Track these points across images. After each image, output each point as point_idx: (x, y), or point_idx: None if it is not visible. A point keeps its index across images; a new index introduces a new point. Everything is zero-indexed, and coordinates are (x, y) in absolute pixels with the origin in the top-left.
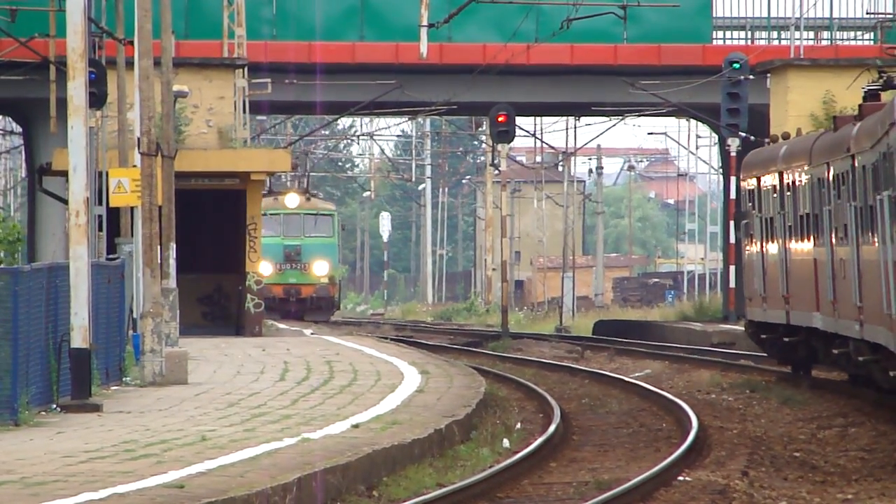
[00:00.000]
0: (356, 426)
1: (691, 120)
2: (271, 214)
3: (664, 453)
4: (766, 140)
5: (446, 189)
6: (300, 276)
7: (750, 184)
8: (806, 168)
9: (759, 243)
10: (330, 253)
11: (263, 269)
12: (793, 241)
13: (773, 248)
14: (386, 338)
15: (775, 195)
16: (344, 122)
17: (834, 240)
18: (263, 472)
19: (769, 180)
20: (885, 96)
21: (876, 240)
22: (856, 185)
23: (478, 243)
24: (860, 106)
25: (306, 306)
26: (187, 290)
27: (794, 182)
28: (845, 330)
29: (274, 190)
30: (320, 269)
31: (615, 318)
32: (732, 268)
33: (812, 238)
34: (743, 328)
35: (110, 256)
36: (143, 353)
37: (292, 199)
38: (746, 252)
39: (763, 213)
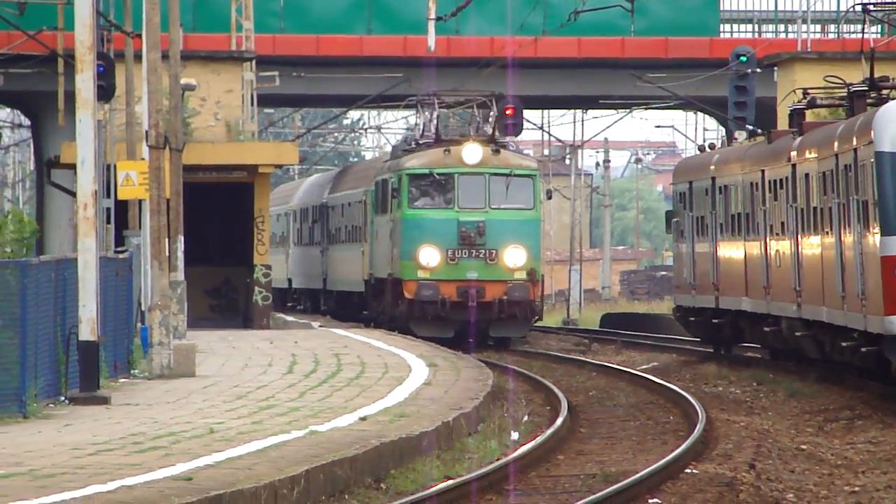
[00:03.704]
0: (364, 419)
1: (698, 113)
2: (439, 175)
3: (671, 446)
4: (702, 146)
5: None
6: (484, 270)
7: (682, 187)
8: (739, 174)
9: (689, 239)
10: (529, 234)
11: (427, 257)
12: (724, 236)
13: (703, 242)
14: (394, 330)
15: (707, 197)
16: (352, 114)
17: (769, 235)
18: (271, 464)
19: (702, 184)
20: (810, 115)
21: (819, 236)
22: (796, 190)
23: None
24: (801, 124)
25: (493, 314)
26: (195, 283)
27: (726, 185)
28: (779, 311)
29: (443, 138)
30: (515, 258)
31: (622, 311)
32: None
33: (743, 233)
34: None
35: (118, 249)
36: (151, 345)
37: (472, 152)
38: (677, 246)
39: (695, 212)
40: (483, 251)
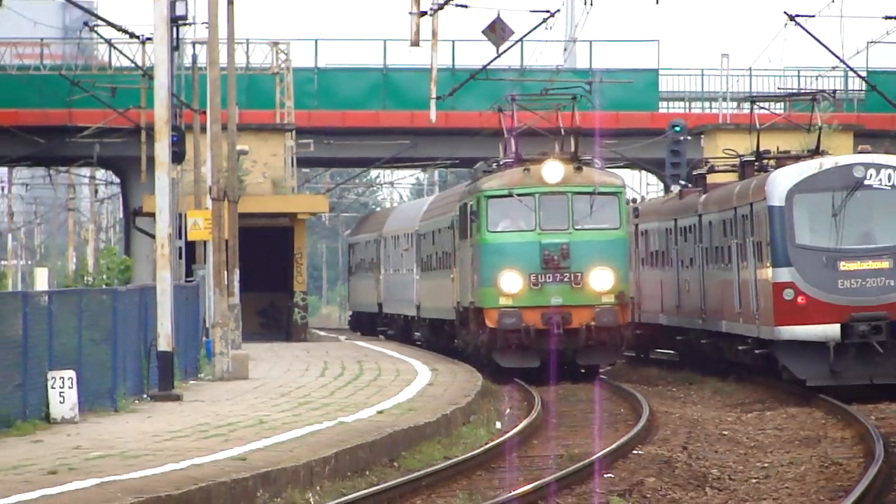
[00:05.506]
0: (381, 412)
1: (642, 171)
2: (519, 196)
3: (622, 432)
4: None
5: None
6: (569, 294)
7: None
8: (657, 222)
9: None
10: (616, 254)
11: (508, 283)
12: (644, 268)
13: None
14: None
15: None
16: (373, 173)
17: (680, 267)
18: (308, 447)
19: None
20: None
21: (720, 268)
22: (702, 234)
23: None
24: (706, 184)
25: (580, 342)
26: (248, 305)
27: (647, 230)
28: (688, 324)
29: (524, 157)
30: (602, 280)
31: None
32: None
33: (660, 266)
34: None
35: (188, 279)
36: (213, 354)
37: (553, 170)
38: None
39: None
40: (568, 275)
